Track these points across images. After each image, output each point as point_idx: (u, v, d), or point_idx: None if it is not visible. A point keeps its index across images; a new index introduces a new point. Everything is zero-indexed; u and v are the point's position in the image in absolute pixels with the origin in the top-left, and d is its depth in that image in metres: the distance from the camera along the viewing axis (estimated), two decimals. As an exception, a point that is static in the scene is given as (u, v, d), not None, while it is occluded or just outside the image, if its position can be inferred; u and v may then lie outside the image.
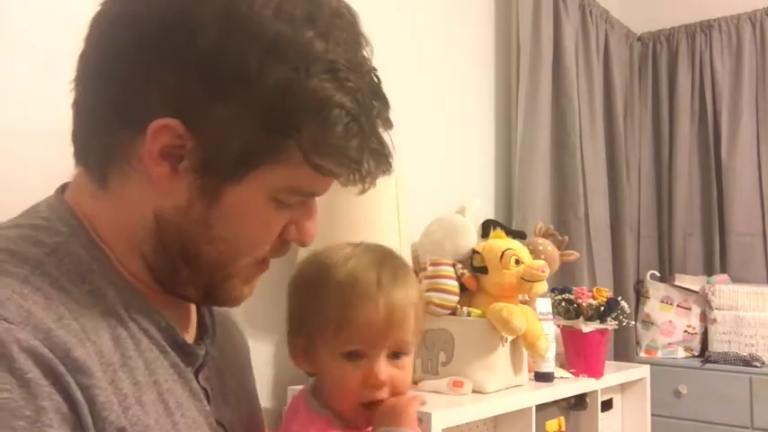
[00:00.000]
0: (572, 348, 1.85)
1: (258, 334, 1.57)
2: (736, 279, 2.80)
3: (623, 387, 2.07)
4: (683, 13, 3.06)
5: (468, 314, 1.54)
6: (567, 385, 1.73)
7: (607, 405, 1.95)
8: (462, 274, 1.59)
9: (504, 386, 1.55)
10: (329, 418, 0.78)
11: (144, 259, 0.64)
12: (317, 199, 0.69)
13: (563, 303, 1.85)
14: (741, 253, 2.87)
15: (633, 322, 2.30)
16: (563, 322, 1.86)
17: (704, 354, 2.69)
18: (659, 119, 3.12)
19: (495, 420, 1.55)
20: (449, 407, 1.36)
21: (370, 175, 0.64)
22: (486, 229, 1.73)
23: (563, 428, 1.71)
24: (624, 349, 2.69)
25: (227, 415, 0.74)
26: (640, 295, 2.92)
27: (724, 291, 2.68)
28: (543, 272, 1.54)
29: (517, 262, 1.56)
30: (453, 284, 1.57)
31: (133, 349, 0.61)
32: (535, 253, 1.73)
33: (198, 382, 0.69)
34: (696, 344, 2.77)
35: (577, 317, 1.83)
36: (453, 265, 1.60)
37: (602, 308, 1.82)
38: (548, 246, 1.82)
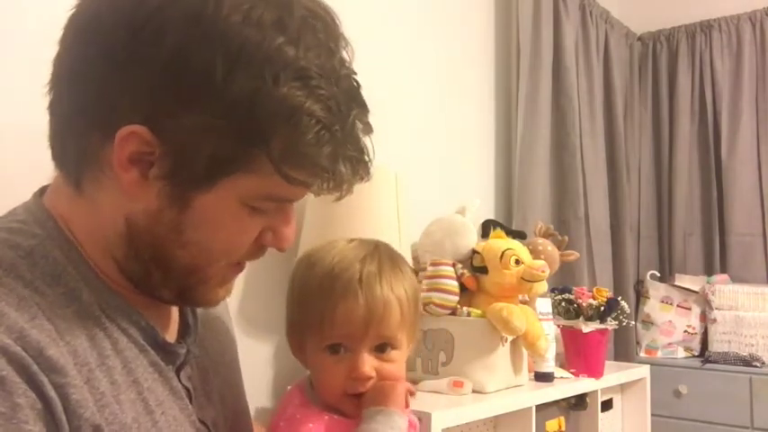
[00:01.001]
0: (572, 348, 1.85)
1: (258, 334, 1.57)
2: (736, 279, 2.80)
3: (623, 387, 2.07)
4: (683, 13, 3.06)
5: (468, 314, 1.54)
6: (567, 385, 1.72)
7: (607, 405, 1.95)
8: (462, 274, 1.59)
9: (504, 386, 1.55)
10: (320, 406, 0.80)
11: (116, 263, 0.64)
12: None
13: (563, 303, 1.85)
14: (741, 253, 2.87)
15: (633, 322, 2.30)
16: (563, 322, 1.85)
17: (704, 354, 2.69)
18: (659, 119, 3.11)
19: (495, 420, 1.55)
20: (449, 407, 1.36)
21: (345, 183, 0.63)
22: (486, 229, 1.73)
23: (563, 428, 1.71)
24: (624, 349, 2.69)
25: (211, 413, 0.73)
26: (640, 295, 2.92)
27: (724, 291, 2.68)
28: (543, 272, 1.54)
29: (517, 262, 1.56)
30: (453, 284, 1.57)
31: (110, 349, 0.61)
32: (535, 253, 1.73)
33: (180, 381, 0.69)
34: (696, 344, 2.77)
35: (577, 317, 1.83)
36: (453, 265, 1.60)
37: (602, 308, 1.82)
38: (548, 246, 1.82)
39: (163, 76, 0.57)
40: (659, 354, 2.78)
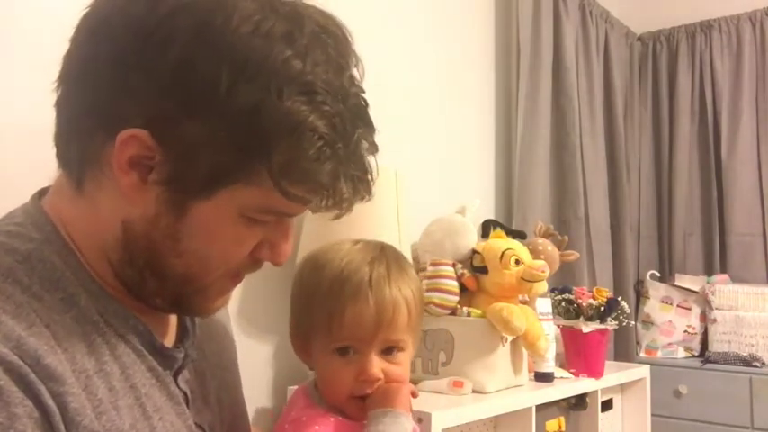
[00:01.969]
0: (572, 348, 1.85)
1: (258, 334, 1.57)
2: (736, 279, 2.80)
3: (623, 387, 2.07)
4: (683, 13, 3.06)
5: (468, 314, 1.54)
6: (567, 385, 1.72)
7: (607, 405, 1.95)
8: (462, 274, 1.59)
9: (504, 386, 1.55)
10: (325, 408, 0.80)
11: (111, 267, 0.64)
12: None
13: (563, 303, 1.84)
14: (741, 253, 2.87)
15: (633, 322, 2.30)
16: (563, 322, 1.85)
17: (704, 354, 2.69)
18: (659, 119, 3.12)
19: (495, 420, 1.55)
20: (449, 407, 1.36)
21: (345, 202, 0.63)
22: (486, 229, 1.73)
23: (563, 428, 1.71)
24: (624, 349, 2.69)
25: (208, 418, 0.73)
26: (640, 295, 2.92)
27: (724, 291, 2.68)
28: (543, 272, 1.54)
29: (517, 262, 1.56)
30: (453, 284, 1.57)
31: (108, 354, 0.61)
32: (535, 253, 1.73)
33: (177, 386, 0.69)
34: (696, 344, 2.77)
35: (577, 317, 1.83)
36: (453, 265, 1.60)
37: (602, 308, 1.82)
38: (548, 246, 1.82)
39: (168, 82, 0.57)
40: (659, 354, 2.78)
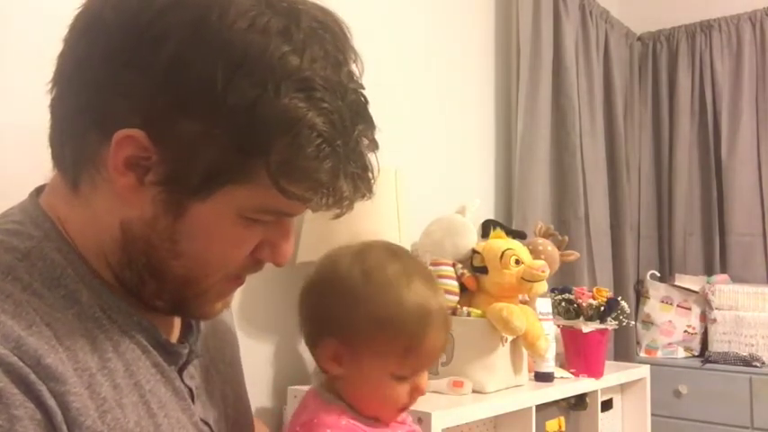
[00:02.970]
0: (572, 348, 1.85)
1: (258, 334, 1.57)
2: (736, 279, 2.80)
3: (623, 387, 2.07)
4: (683, 13, 3.06)
5: (468, 314, 1.54)
6: (567, 385, 1.72)
7: (607, 405, 1.95)
8: (462, 274, 1.59)
9: (504, 386, 1.55)
10: (342, 406, 0.80)
11: (110, 268, 0.63)
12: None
13: (563, 303, 1.84)
14: (741, 253, 2.87)
15: (633, 322, 2.30)
16: (563, 322, 1.85)
17: (704, 354, 2.69)
18: (659, 119, 3.11)
19: (495, 420, 1.55)
20: (449, 407, 1.36)
21: (346, 200, 0.61)
22: (486, 229, 1.73)
23: (563, 428, 1.71)
24: (624, 349, 2.69)
25: (213, 413, 0.73)
26: (640, 295, 2.91)
27: (724, 291, 2.68)
28: (543, 272, 1.54)
29: (517, 262, 1.56)
30: (453, 284, 1.57)
31: (112, 351, 0.60)
32: (535, 253, 1.72)
33: (182, 381, 0.68)
34: (696, 344, 2.77)
35: (577, 317, 1.83)
36: (453, 265, 1.60)
37: (602, 308, 1.82)
38: (548, 246, 1.82)
39: (163, 81, 0.56)
40: (659, 354, 2.78)
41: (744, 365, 2.53)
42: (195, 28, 0.56)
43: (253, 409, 0.89)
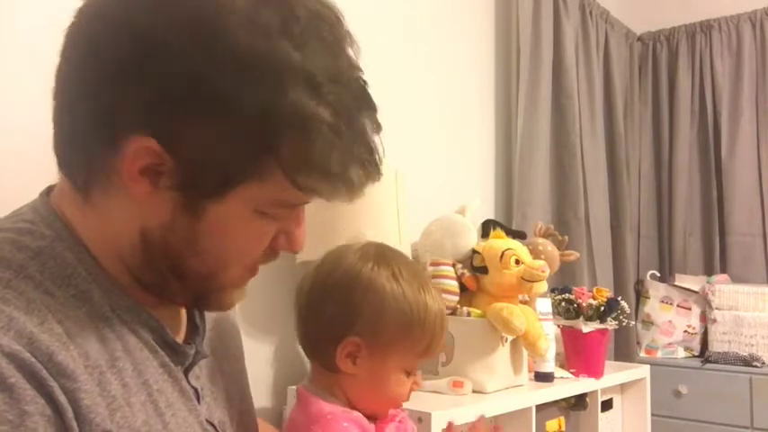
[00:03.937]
0: (572, 348, 1.85)
1: (258, 334, 1.57)
2: (736, 279, 2.80)
3: (623, 387, 2.07)
4: (683, 13, 3.06)
5: (468, 314, 1.54)
6: (567, 385, 1.72)
7: (607, 405, 1.95)
8: (462, 274, 1.59)
9: (504, 386, 1.55)
10: (342, 402, 0.83)
11: (129, 270, 0.64)
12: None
13: (563, 303, 1.84)
14: (741, 253, 2.87)
15: (633, 322, 2.30)
16: (563, 322, 1.85)
17: (704, 354, 2.69)
18: (659, 119, 3.11)
19: (495, 420, 1.54)
20: (449, 407, 1.36)
21: (357, 187, 0.63)
22: (486, 229, 1.73)
23: (563, 428, 1.71)
24: (624, 349, 2.69)
25: (218, 414, 0.73)
26: (640, 295, 2.91)
27: (724, 291, 2.68)
28: (543, 272, 1.54)
29: (517, 262, 1.56)
30: (453, 284, 1.57)
31: (121, 350, 0.61)
32: (535, 253, 1.72)
33: (188, 382, 0.69)
34: (696, 344, 2.77)
35: (577, 317, 1.83)
36: (453, 265, 1.60)
37: (602, 308, 1.82)
38: (548, 246, 1.82)
39: (169, 88, 0.56)
40: (659, 354, 2.78)
41: (744, 365, 2.53)
42: (198, 36, 0.56)
43: (253, 409, 0.89)
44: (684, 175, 3.02)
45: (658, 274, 2.95)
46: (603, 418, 1.87)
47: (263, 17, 0.57)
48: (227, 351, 0.82)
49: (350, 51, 0.62)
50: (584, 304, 1.82)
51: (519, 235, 1.78)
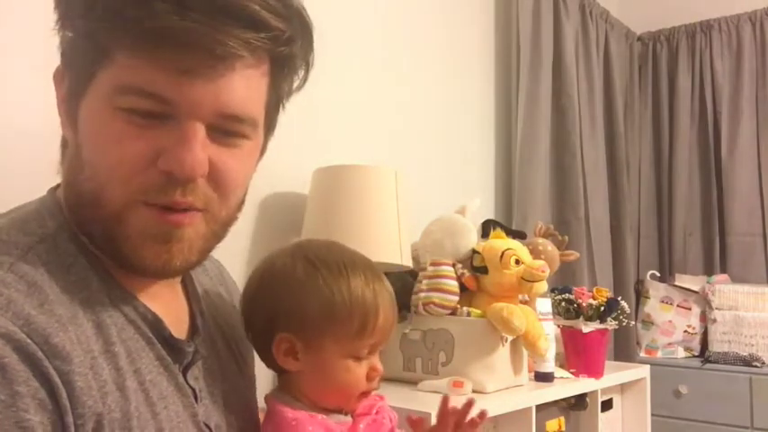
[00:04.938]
0: (572, 348, 1.85)
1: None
2: (736, 279, 2.80)
3: (623, 387, 2.07)
4: (683, 13, 3.06)
5: (468, 314, 1.54)
6: (567, 385, 1.72)
7: (607, 405, 1.95)
8: (462, 274, 1.59)
9: (504, 386, 1.55)
10: (305, 405, 0.81)
11: (93, 242, 0.64)
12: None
13: (563, 303, 1.84)
14: (741, 253, 2.87)
15: (633, 322, 2.30)
16: (563, 322, 1.85)
17: (704, 354, 2.69)
18: (659, 119, 3.12)
19: (495, 420, 1.55)
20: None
21: (169, 25, 0.56)
22: (486, 229, 1.73)
23: (563, 428, 1.71)
24: (624, 349, 2.69)
25: (216, 418, 0.73)
26: (640, 295, 2.91)
27: (724, 291, 2.68)
28: (543, 272, 1.54)
29: (517, 262, 1.56)
30: (453, 284, 1.57)
31: (116, 336, 0.62)
32: (535, 253, 1.72)
33: (186, 381, 0.69)
34: (696, 344, 2.77)
35: (577, 317, 1.83)
36: (453, 265, 1.60)
37: (602, 308, 1.82)
38: (548, 246, 1.82)
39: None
40: (659, 354, 2.78)
41: (744, 365, 2.53)
42: None
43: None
44: (684, 175, 3.02)
45: (658, 274, 2.95)
46: (603, 418, 1.87)
47: None
48: (235, 357, 0.82)
49: None
50: (584, 304, 1.82)
51: (519, 235, 1.78)
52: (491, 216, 2.15)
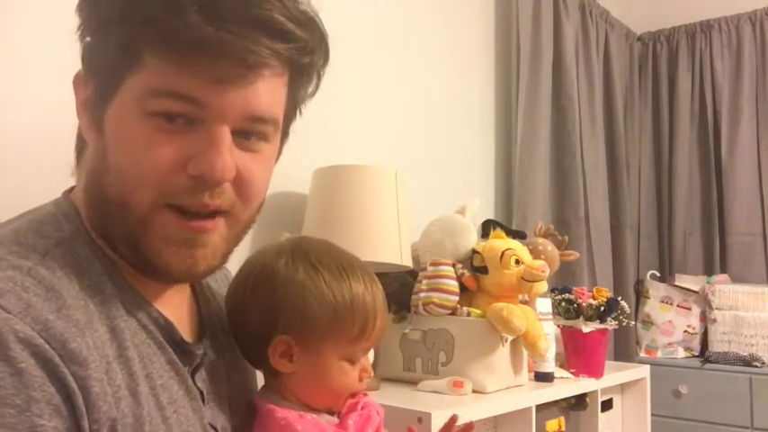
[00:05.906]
0: (572, 348, 1.85)
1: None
2: (736, 279, 2.80)
3: (623, 387, 2.07)
4: (683, 13, 3.06)
5: (468, 314, 1.54)
6: (567, 385, 1.72)
7: (607, 405, 1.95)
8: (462, 274, 1.59)
9: (504, 386, 1.55)
10: (295, 405, 0.80)
11: (106, 239, 0.65)
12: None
13: (563, 303, 1.84)
14: (741, 253, 2.87)
15: (633, 322, 2.30)
16: (563, 322, 1.85)
17: (704, 354, 2.69)
18: (659, 119, 3.12)
19: (495, 420, 1.55)
20: (449, 407, 1.36)
21: (201, 36, 0.57)
22: (486, 229, 1.73)
23: (563, 428, 1.71)
24: (624, 349, 2.69)
25: (221, 419, 0.73)
26: (640, 295, 2.92)
27: (724, 291, 2.68)
28: (543, 272, 1.54)
29: (517, 262, 1.56)
30: (453, 284, 1.57)
31: (129, 340, 0.62)
32: (535, 253, 1.72)
33: (194, 383, 0.69)
34: (696, 344, 2.77)
35: (577, 317, 1.83)
36: (453, 265, 1.60)
37: (602, 308, 1.82)
38: (548, 246, 1.82)
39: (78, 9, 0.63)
40: (659, 354, 2.78)
41: (744, 365, 2.53)
42: None
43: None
44: (684, 175, 3.02)
45: (658, 274, 2.95)
46: (603, 418, 1.87)
47: None
48: (239, 358, 0.82)
49: None
50: (584, 304, 1.82)
51: (519, 235, 1.78)
52: (491, 216, 2.15)
